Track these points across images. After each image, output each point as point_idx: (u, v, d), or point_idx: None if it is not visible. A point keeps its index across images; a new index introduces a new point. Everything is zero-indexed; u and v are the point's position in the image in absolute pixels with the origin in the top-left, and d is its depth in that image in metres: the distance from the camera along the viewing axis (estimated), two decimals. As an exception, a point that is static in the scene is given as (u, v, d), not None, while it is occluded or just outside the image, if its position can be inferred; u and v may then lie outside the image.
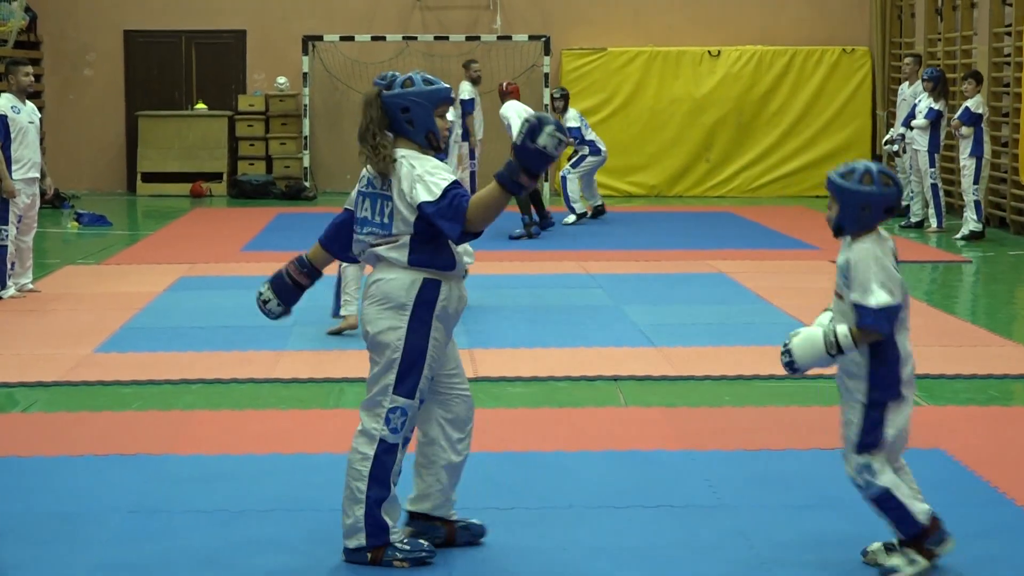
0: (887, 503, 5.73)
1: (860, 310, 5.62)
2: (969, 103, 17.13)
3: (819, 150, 22.72)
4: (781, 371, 9.82)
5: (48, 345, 10.81)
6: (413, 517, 6.19)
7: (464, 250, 10.69)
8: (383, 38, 22.93)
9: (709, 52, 23.03)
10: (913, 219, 18.70)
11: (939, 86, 18.07)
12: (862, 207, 5.69)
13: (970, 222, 17.17)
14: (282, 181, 23.09)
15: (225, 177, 23.19)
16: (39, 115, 13.28)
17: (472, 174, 20.23)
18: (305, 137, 23.15)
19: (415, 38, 23.07)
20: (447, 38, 23.03)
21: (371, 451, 5.91)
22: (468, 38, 23.06)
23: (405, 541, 6.01)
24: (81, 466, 7.52)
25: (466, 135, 19.99)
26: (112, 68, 23.70)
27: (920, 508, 5.76)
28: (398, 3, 23.57)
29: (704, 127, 23.05)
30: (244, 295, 13.01)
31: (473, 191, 13.22)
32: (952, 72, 19.93)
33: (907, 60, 19.90)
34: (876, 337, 5.66)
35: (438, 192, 5.77)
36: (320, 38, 23.03)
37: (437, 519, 6.18)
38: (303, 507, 6.77)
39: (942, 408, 8.87)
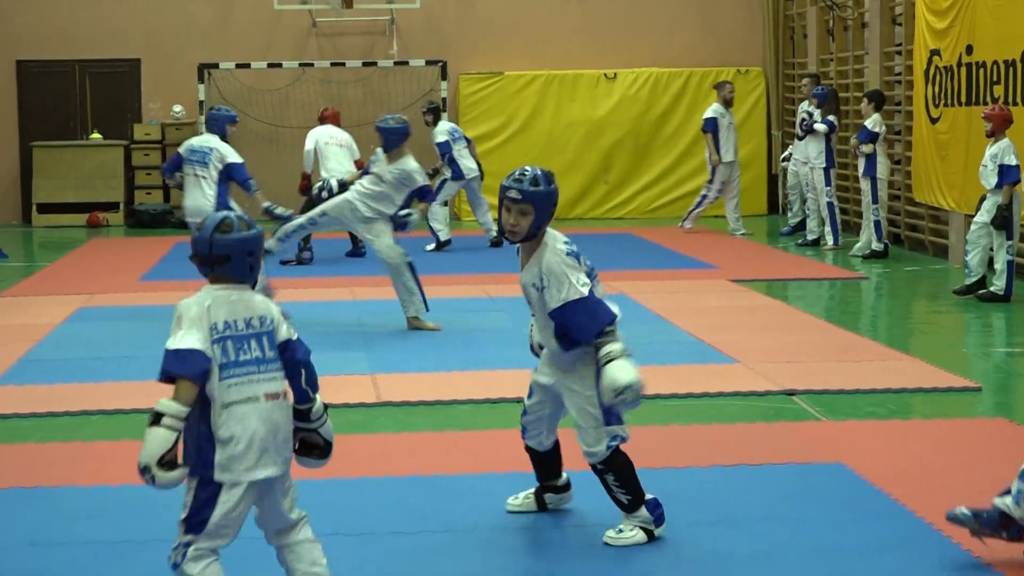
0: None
1: (571, 306, 6.55)
2: (867, 122, 17.33)
3: (716, 170, 22.85)
4: (682, 390, 9.86)
5: (-56, 379, 10.66)
6: None
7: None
8: (279, 65, 22.87)
9: (605, 75, 23.16)
10: (810, 236, 18.89)
11: (828, 104, 18.34)
12: (553, 204, 6.38)
13: (872, 242, 17.34)
14: (180, 210, 22.88)
15: (122, 207, 23.01)
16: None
17: (702, 198, 20.30)
18: (203, 165, 22.97)
19: (312, 64, 23.01)
20: (344, 64, 23.00)
21: None
22: (365, 64, 23.04)
23: None
24: (-20, 501, 7.42)
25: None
26: (5, 98, 23.44)
27: None
28: (294, 30, 23.50)
29: (602, 150, 23.16)
30: (143, 325, 13.00)
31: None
32: (845, 92, 20.19)
33: (804, 80, 20.11)
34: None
35: None
36: (216, 66, 22.91)
37: None
38: (207, 536, 6.70)
39: (842, 423, 8.95)
